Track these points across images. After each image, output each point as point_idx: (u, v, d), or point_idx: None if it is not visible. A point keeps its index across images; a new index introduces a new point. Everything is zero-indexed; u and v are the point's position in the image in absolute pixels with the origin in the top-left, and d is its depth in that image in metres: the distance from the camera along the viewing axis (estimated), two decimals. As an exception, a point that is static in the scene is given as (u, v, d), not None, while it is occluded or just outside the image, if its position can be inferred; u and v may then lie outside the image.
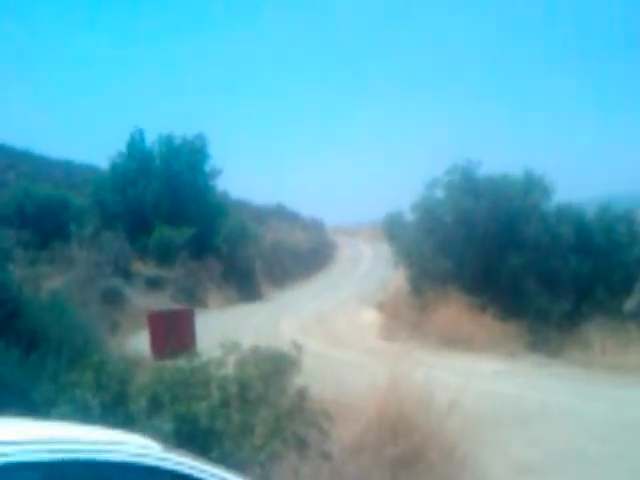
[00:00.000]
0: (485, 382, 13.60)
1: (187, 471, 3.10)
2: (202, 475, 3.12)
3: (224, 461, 5.91)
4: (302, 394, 7.18)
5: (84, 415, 6.24)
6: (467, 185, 22.20)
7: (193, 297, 31.29)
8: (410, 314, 21.58)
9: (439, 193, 23.20)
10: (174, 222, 35.31)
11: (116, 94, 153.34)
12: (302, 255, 49.73)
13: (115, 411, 6.71)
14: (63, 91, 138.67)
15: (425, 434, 7.69)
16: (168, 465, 3.08)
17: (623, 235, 21.85)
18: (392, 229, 25.05)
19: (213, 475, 3.16)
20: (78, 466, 3.06)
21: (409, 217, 24.66)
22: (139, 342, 16.64)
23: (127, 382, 7.10)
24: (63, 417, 5.87)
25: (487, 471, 8.06)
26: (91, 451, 3.03)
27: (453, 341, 18.67)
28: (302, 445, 6.82)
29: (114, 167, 38.01)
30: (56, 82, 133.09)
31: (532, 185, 22.11)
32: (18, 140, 63.72)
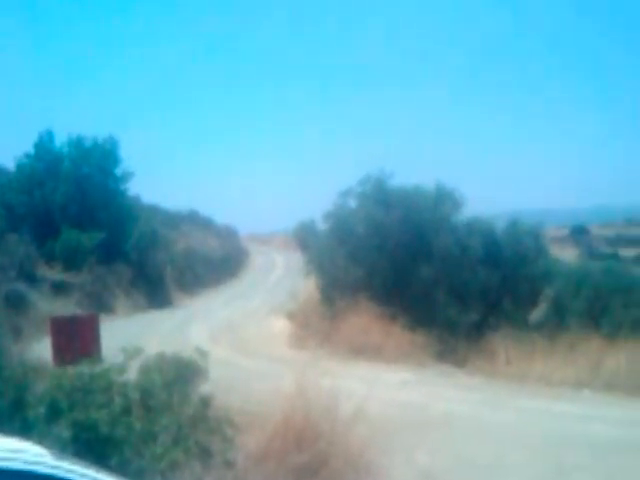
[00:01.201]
0: (392, 391, 13.70)
1: (77, 479, 3.00)
2: None
3: (123, 469, 5.77)
4: (206, 402, 7.07)
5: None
6: (379, 195, 22.38)
7: (100, 303, 30.69)
8: (320, 323, 21.60)
9: (352, 203, 23.35)
10: (83, 226, 34.59)
11: (26, 93, 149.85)
12: (214, 262, 49.40)
13: (13, 418, 6.49)
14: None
15: (330, 442, 7.67)
16: (59, 474, 2.98)
17: (530, 249, 22.36)
18: (304, 238, 25.09)
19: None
20: None
21: (321, 226, 24.75)
22: (43, 348, 16.17)
23: (25, 388, 6.89)
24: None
25: (391, 477, 8.09)
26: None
27: (362, 350, 18.74)
28: (205, 454, 6.72)
29: (20, 168, 37.01)
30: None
31: (443, 197, 22.42)
32: None
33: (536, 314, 22.03)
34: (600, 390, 14.98)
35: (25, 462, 2.98)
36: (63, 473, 3.01)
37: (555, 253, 24.79)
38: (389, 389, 13.82)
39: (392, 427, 9.07)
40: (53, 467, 3.01)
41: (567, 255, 30.82)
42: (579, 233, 61.33)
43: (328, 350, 18.51)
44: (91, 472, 3.11)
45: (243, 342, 22.29)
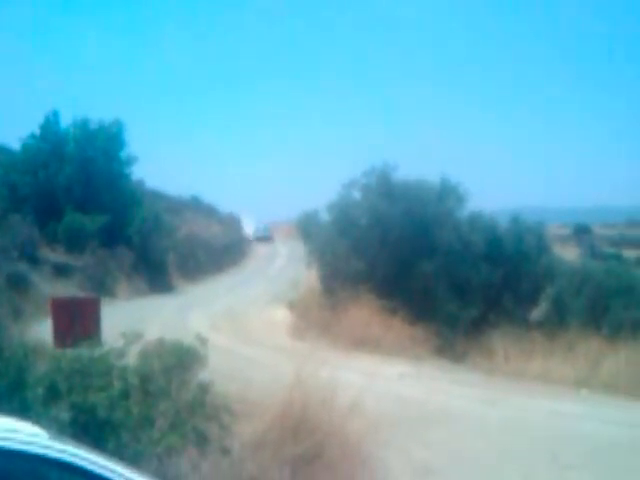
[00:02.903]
0: (390, 384, 13.72)
1: (70, 459, 3.03)
2: (84, 463, 3.06)
3: (120, 453, 5.78)
4: (205, 389, 7.07)
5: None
6: (383, 188, 22.36)
7: (102, 286, 30.70)
8: (320, 314, 21.61)
9: (355, 194, 23.34)
10: (86, 209, 34.61)
11: (32, 73, 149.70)
12: (217, 250, 49.45)
13: (11, 398, 6.50)
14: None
15: (327, 433, 7.68)
16: (51, 453, 3.02)
17: (532, 247, 22.32)
18: (307, 228, 25.03)
19: (95, 463, 3.10)
20: None
21: (325, 217, 24.72)
22: (43, 330, 16.20)
23: (25, 369, 6.89)
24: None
25: (387, 471, 8.10)
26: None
27: (361, 342, 18.76)
28: (202, 440, 6.73)
29: (26, 148, 37.02)
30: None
31: (447, 192, 22.40)
32: None
33: (536, 312, 22.02)
34: (598, 390, 15.00)
35: (20, 442, 3.00)
36: (55, 453, 3.04)
37: (557, 252, 24.73)
38: (387, 382, 13.84)
39: (389, 420, 9.08)
40: (45, 447, 3.04)
41: (569, 254, 30.75)
42: (582, 232, 61.12)
43: (328, 341, 18.53)
44: (82, 452, 3.14)
45: (243, 330, 22.32)
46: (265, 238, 68.32)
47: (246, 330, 22.43)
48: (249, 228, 71.30)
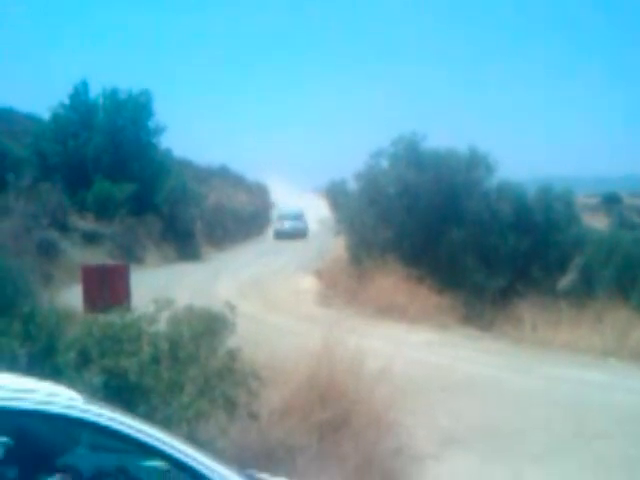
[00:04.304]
0: (416, 352, 13.77)
1: (106, 422, 3.10)
2: (121, 427, 3.12)
3: (151, 417, 5.88)
4: (233, 355, 7.15)
5: (10, 365, 6.14)
6: (411, 157, 22.28)
7: (130, 254, 30.99)
8: (348, 282, 21.67)
9: (384, 163, 23.29)
10: (115, 177, 34.86)
11: (62, 44, 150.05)
12: (244, 218, 49.60)
13: (43, 363, 6.61)
14: (6, 37, 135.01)
15: (354, 400, 7.74)
16: (90, 417, 3.08)
17: (561, 215, 22.15)
18: (335, 197, 25.06)
19: (131, 427, 3.16)
20: (7, 414, 3.06)
21: (353, 186, 24.71)
22: (73, 296, 16.40)
23: (57, 334, 7.00)
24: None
25: (412, 439, 8.16)
26: (15, 399, 3.00)
27: (388, 311, 18.80)
28: (231, 405, 6.82)
29: (56, 118, 37.34)
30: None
31: (476, 161, 22.26)
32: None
33: (564, 282, 21.89)
34: (626, 360, 14.94)
35: (60, 406, 3.07)
36: (92, 417, 3.11)
37: (586, 221, 24.53)
38: (414, 350, 13.90)
39: (416, 388, 9.14)
40: (83, 411, 3.10)
41: (598, 223, 30.47)
42: (611, 201, 60.32)
43: (354, 309, 18.61)
44: (118, 416, 3.20)
45: (271, 298, 22.43)
46: (295, 233, 43.70)
47: (273, 298, 22.54)
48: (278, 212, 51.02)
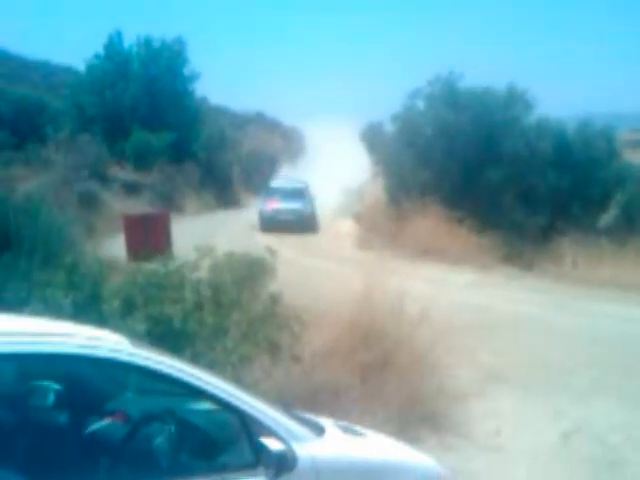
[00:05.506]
0: (457, 292, 13.73)
1: (155, 366, 3.14)
2: (169, 370, 3.17)
3: (196, 361, 5.97)
4: (275, 299, 7.21)
5: (56, 314, 6.24)
6: (449, 97, 22.03)
7: (170, 202, 31.22)
8: (387, 225, 21.63)
9: (420, 104, 23.06)
10: (152, 126, 34.96)
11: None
12: (281, 163, 49.52)
13: (88, 311, 6.70)
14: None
15: (396, 341, 7.77)
16: (137, 361, 3.12)
17: (602, 152, 21.83)
18: (372, 139, 24.90)
19: (179, 370, 3.21)
20: (54, 358, 3.12)
21: (389, 128, 24.52)
22: (115, 246, 16.61)
23: (100, 283, 7.08)
24: (35, 315, 5.87)
25: (455, 377, 8.22)
26: (67, 345, 3.05)
27: (428, 252, 18.77)
28: (274, 348, 6.89)
29: (91, 69, 37.39)
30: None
31: (514, 99, 21.95)
32: (-6, 40, 62.12)
33: (605, 219, 21.65)
34: (670, 296, 14.80)
35: (108, 350, 3.12)
36: (140, 360, 3.15)
37: (628, 157, 24.13)
38: (455, 290, 13.85)
39: (458, 327, 9.13)
40: (131, 355, 3.15)
41: (641, 159, 29.96)
42: (656, 136, 59.11)
43: (393, 252, 18.54)
44: (166, 359, 3.24)
45: (309, 242, 22.51)
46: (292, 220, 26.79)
47: (312, 242, 22.62)
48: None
